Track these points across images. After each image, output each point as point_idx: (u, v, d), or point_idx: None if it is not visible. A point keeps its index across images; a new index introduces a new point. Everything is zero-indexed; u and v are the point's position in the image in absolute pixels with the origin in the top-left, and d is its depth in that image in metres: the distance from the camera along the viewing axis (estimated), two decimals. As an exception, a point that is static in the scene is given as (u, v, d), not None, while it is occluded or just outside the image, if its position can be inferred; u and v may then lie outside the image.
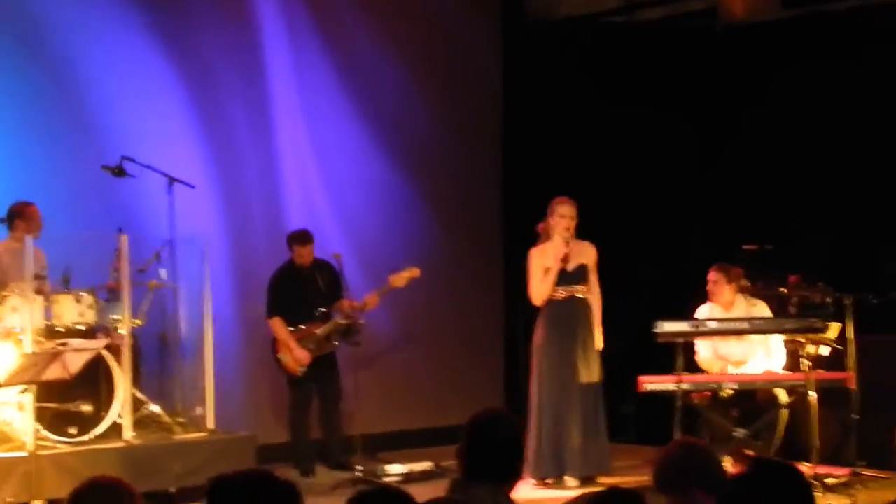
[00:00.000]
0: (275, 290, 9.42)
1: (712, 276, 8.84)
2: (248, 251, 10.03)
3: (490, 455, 3.72)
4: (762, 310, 8.83)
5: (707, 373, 8.75)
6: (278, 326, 9.33)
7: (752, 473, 3.53)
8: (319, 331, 9.32)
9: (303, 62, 10.47)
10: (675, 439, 5.35)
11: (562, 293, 8.62)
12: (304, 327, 9.32)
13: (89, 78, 9.51)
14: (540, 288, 8.63)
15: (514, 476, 3.83)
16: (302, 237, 9.39)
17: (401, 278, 9.35)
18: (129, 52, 9.64)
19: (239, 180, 10.15)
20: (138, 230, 8.88)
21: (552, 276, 8.57)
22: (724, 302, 8.83)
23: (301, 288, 9.39)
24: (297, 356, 9.27)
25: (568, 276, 8.63)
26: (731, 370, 8.75)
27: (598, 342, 8.69)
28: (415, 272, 9.39)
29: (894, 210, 9.34)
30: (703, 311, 8.90)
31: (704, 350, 8.88)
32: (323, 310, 9.36)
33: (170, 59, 9.84)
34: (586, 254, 8.73)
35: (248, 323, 9.73)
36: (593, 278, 8.77)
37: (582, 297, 8.67)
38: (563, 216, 8.60)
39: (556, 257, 8.55)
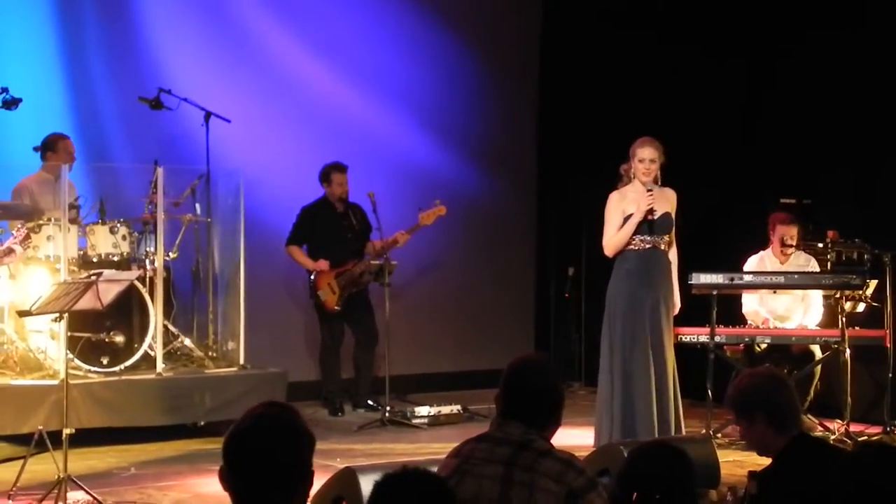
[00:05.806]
0: (300, 220, 9.43)
1: (784, 226, 8.67)
2: (284, 187, 9.99)
3: (521, 400, 3.89)
4: (814, 266, 8.73)
5: (752, 325, 8.65)
6: (295, 253, 9.38)
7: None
8: (355, 269, 9.30)
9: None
10: (748, 370, 5.30)
11: (643, 244, 7.49)
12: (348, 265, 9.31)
13: (129, 8, 9.46)
14: (616, 238, 7.48)
15: (548, 421, 3.92)
16: (339, 165, 9.39)
17: (429, 216, 9.30)
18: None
19: (275, 114, 10.10)
20: (174, 163, 8.85)
21: (630, 227, 7.43)
22: (783, 254, 8.72)
23: (333, 225, 9.36)
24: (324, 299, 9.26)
25: (652, 225, 7.49)
26: (775, 324, 8.67)
27: (677, 302, 7.70)
28: (441, 210, 9.32)
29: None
30: (752, 262, 8.80)
31: (750, 302, 8.81)
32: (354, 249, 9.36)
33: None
34: (669, 200, 7.64)
35: (282, 259, 9.69)
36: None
37: (665, 248, 7.58)
38: (641, 160, 7.48)
39: (639, 206, 7.44)
